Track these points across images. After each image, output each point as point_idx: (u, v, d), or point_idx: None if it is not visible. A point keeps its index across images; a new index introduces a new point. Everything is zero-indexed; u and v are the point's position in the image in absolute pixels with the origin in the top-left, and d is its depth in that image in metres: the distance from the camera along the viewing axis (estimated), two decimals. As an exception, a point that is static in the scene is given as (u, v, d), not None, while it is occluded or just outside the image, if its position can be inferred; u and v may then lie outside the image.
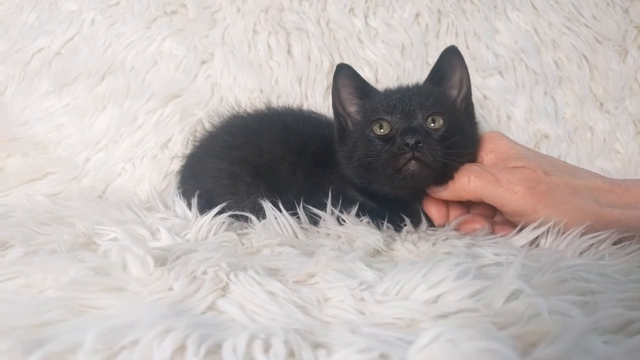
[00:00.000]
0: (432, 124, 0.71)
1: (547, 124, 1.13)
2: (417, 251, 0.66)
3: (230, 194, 0.82)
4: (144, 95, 1.14)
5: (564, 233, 0.66)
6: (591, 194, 0.68)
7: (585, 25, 1.17)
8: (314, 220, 0.74)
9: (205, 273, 0.51)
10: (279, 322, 0.42)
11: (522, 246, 0.67)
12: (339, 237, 0.69)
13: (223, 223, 0.73)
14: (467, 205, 0.77)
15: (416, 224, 0.75)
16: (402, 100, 0.73)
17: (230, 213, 0.75)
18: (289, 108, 0.97)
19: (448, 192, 0.72)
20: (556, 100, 1.16)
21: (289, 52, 1.17)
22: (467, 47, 1.17)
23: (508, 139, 0.75)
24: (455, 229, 0.74)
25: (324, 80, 1.15)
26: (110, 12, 1.19)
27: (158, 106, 1.13)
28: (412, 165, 0.68)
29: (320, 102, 1.13)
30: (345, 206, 0.74)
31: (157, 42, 1.17)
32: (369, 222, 0.73)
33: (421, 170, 0.68)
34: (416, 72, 1.14)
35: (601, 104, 1.16)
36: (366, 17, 1.19)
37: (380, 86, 0.89)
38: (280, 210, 0.72)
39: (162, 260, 0.55)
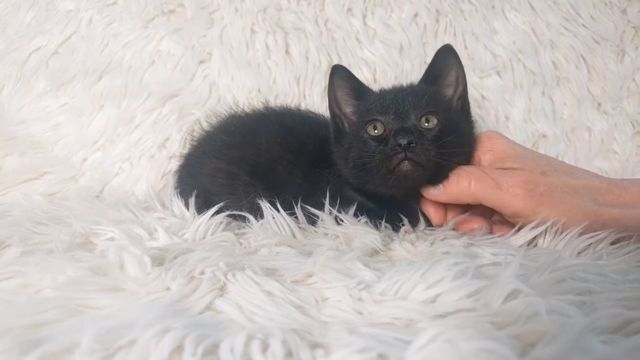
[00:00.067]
0: (426, 124, 0.71)
1: (545, 124, 1.14)
2: (415, 251, 0.66)
3: (228, 193, 0.82)
4: (141, 94, 1.14)
5: (562, 233, 0.66)
6: (589, 194, 0.68)
7: (583, 26, 1.17)
8: (312, 220, 0.74)
9: (202, 273, 0.51)
10: (276, 322, 0.41)
11: (520, 246, 0.67)
12: (337, 237, 0.69)
13: (221, 223, 0.72)
14: (465, 204, 0.77)
15: (414, 223, 0.75)
16: (396, 100, 0.73)
17: (228, 213, 0.74)
18: (286, 108, 0.97)
19: (447, 195, 0.71)
20: (554, 101, 1.16)
21: (287, 51, 1.17)
22: (465, 47, 1.17)
23: (506, 138, 0.75)
24: (453, 229, 0.74)
25: (322, 80, 1.15)
26: (108, 11, 1.19)
27: (156, 106, 1.13)
28: (405, 165, 0.68)
29: (318, 102, 1.13)
30: (343, 206, 0.74)
31: (155, 41, 1.17)
32: (367, 222, 0.73)
33: (414, 171, 0.68)
34: (414, 72, 1.14)
35: (599, 104, 1.16)
36: (364, 17, 1.19)
37: (378, 86, 0.89)
38: (278, 210, 0.72)
39: (160, 260, 0.55)
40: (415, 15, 1.19)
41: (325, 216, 0.73)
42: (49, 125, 1.14)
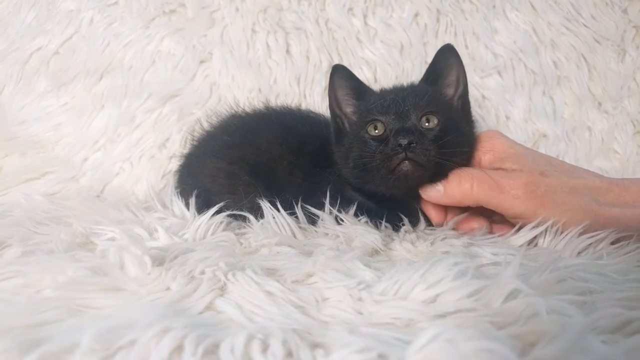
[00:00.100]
0: (427, 124, 0.71)
1: (546, 124, 1.13)
2: (415, 251, 0.66)
3: (228, 193, 0.82)
4: (142, 94, 1.14)
5: (562, 232, 0.66)
6: (589, 193, 0.68)
7: (584, 25, 1.17)
8: (312, 220, 0.74)
9: (203, 273, 0.51)
10: (277, 322, 0.41)
11: (521, 246, 0.67)
12: (337, 236, 0.69)
13: (221, 223, 0.72)
14: (466, 204, 0.77)
15: (414, 223, 0.75)
16: (396, 100, 0.73)
17: (228, 213, 0.74)
18: (287, 107, 0.97)
19: (448, 198, 0.70)
20: (555, 100, 1.16)
21: (287, 51, 1.17)
22: (466, 46, 1.17)
23: (506, 137, 0.75)
24: (454, 229, 0.74)
25: (323, 80, 1.15)
26: (109, 11, 1.19)
27: (156, 106, 1.13)
28: (406, 165, 0.68)
29: (319, 102, 1.13)
30: (344, 206, 0.74)
31: (156, 41, 1.17)
32: (367, 222, 0.73)
33: (414, 171, 0.68)
34: (415, 72, 1.14)
35: (599, 104, 1.16)
36: (365, 16, 1.19)
37: (379, 86, 0.89)
38: (278, 210, 0.72)
39: (160, 260, 0.55)
40: (416, 14, 1.19)
41: (325, 216, 0.73)
42: (49, 125, 1.14)
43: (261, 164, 0.82)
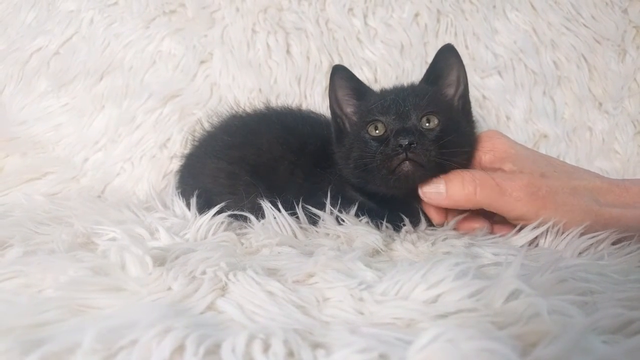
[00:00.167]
0: (427, 124, 0.71)
1: (546, 124, 1.14)
2: (416, 251, 0.66)
3: (229, 193, 0.82)
4: (142, 94, 1.14)
5: (563, 233, 0.66)
6: (590, 194, 0.68)
7: (584, 26, 1.17)
8: (313, 220, 0.74)
9: (204, 273, 0.51)
10: (278, 322, 0.41)
11: (522, 246, 0.67)
12: (338, 237, 0.69)
13: (222, 223, 0.72)
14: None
15: (415, 223, 0.75)
16: (397, 100, 0.73)
17: (229, 213, 0.74)
18: (288, 108, 0.97)
19: (450, 200, 0.70)
20: (555, 100, 1.16)
21: (288, 51, 1.17)
22: (466, 47, 1.17)
23: (507, 138, 0.75)
24: (454, 229, 0.74)
25: (323, 80, 1.15)
26: (109, 11, 1.19)
27: (157, 106, 1.13)
28: (406, 165, 0.68)
29: (319, 102, 1.13)
30: (345, 206, 0.74)
31: (156, 41, 1.17)
32: (368, 222, 0.73)
33: (415, 171, 0.68)
34: (415, 72, 1.14)
35: (600, 104, 1.16)
36: (365, 17, 1.19)
37: (379, 86, 0.89)
38: (279, 210, 0.72)
39: (161, 260, 0.55)
40: (416, 15, 1.19)
41: (326, 216, 0.73)
42: (50, 125, 1.14)
43: (262, 164, 0.82)
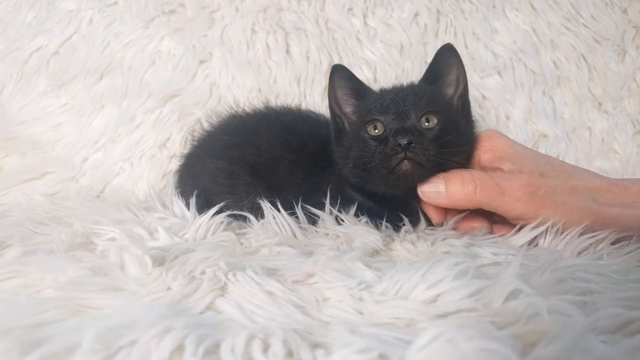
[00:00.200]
0: (426, 124, 0.71)
1: (546, 124, 1.14)
2: (415, 251, 0.66)
3: (228, 193, 0.82)
4: (142, 94, 1.14)
5: (562, 233, 0.66)
6: (589, 194, 0.68)
7: (584, 26, 1.17)
8: (313, 220, 0.74)
9: (203, 273, 0.51)
10: (277, 322, 0.41)
11: (521, 246, 0.67)
12: (338, 236, 0.69)
13: (221, 223, 0.72)
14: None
15: (415, 223, 0.75)
16: (396, 100, 0.73)
17: (228, 213, 0.75)
18: (287, 107, 0.97)
19: (449, 200, 0.69)
20: (555, 100, 1.16)
21: (287, 51, 1.17)
22: (466, 46, 1.17)
23: (506, 137, 0.75)
24: (454, 228, 0.74)
25: (323, 80, 1.15)
26: (109, 11, 1.19)
27: (156, 106, 1.13)
28: (405, 165, 0.68)
29: (319, 102, 1.13)
30: (344, 206, 0.74)
31: (156, 41, 1.17)
32: (367, 222, 0.73)
33: (414, 170, 0.69)
34: (415, 72, 1.14)
35: (599, 104, 1.16)
36: (365, 16, 1.19)
37: (379, 86, 0.89)
38: (278, 210, 0.72)
39: (161, 260, 0.55)
40: (416, 15, 1.19)
41: (325, 216, 0.73)
42: (49, 125, 1.14)
43: (261, 164, 0.82)
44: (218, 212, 0.73)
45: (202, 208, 0.76)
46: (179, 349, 0.35)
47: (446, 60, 0.78)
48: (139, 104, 1.13)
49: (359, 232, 0.69)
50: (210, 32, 1.18)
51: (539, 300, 0.40)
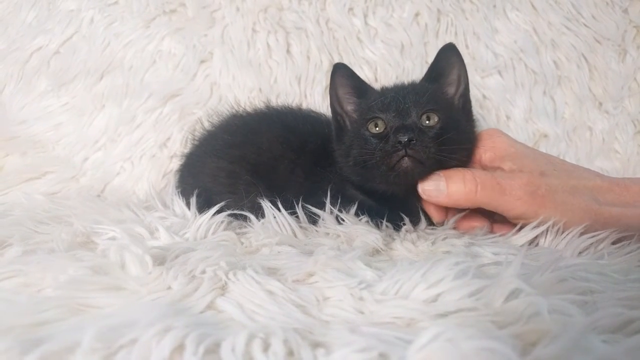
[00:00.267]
0: (427, 122, 0.71)
1: (546, 124, 1.14)
2: (416, 250, 0.66)
3: (229, 192, 0.82)
4: (142, 94, 1.14)
5: (563, 232, 0.66)
6: (590, 193, 0.68)
7: (585, 25, 1.17)
8: (313, 220, 0.74)
9: (204, 272, 0.51)
10: (278, 322, 0.41)
11: (522, 245, 0.67)
12: (338, 236, 0.69)
13: (222, 222, 0.72)
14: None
15: (415, 222, 0.75)
16: (397, 98, 0.73)
17: (229, 212, 0.74)
18: (288, 107, 0.97)
19: (449, 199, 0.69)
20: (555, 100, 1.16)
21: (288, 51, 1.17)
22: (467, 46, 1.17)
23: (507, 136, 0.75)
24: (454, 228, 0.74)
25: (323, 80, 1.15)
26: (109, 11, 1.19)
27: (157, 105, 1.13)
28: (405, 162, 0.68)
29: (320, 101, 1.13)
30: (345, 205, 0.74)
31: (156, 41, 1.17)
32: (368, 221, 0.73)
33: (414, 167, 0.69)
34: (415, 72, 1.14)
35: (600, 104, 1.16)
36: (365, 16, 1.19)
37: (380, 85, 0.89)
38: (279, 209, 0.72)
39: (161, 259, 0.55)
40: (417, 14, 1.19)
41: (326, 215, 0.73)
42: (50, 124, 1.14)
43: (262, 163, 0.82)
44: (218, 212, 0.73)
45: (202, 207, 0.76)
46: (180, 348, 0.35)
47: (448, 60, 0.78)
48: (139, 104, 1.13)
49: (360, 231, 0.69)
50: (211, 31, 1.18)
51: (539, 300, 0.40)
